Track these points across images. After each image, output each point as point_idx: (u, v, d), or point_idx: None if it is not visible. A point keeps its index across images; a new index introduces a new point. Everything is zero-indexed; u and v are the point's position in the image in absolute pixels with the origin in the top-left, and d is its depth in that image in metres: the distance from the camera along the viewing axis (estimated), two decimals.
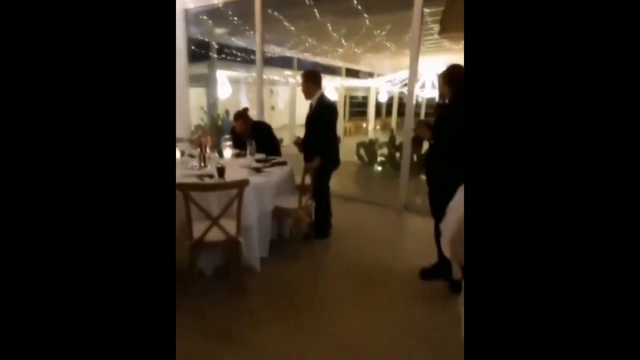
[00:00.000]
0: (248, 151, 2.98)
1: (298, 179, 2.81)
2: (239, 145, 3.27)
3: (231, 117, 7.38)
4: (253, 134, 3.29)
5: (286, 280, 2.45)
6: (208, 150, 2.86)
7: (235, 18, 5.49)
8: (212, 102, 7.79)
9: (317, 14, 5.11)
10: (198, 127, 7.40)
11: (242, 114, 3.34)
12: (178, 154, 3.07)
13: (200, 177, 2.41)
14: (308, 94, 2.98)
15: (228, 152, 3.04)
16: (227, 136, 3.40)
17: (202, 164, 2.74)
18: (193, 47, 6.45)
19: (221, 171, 2.45)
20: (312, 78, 2.97)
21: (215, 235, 2.07)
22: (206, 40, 7.02)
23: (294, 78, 9.25)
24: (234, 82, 8.46)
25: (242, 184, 2.03)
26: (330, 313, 2.11)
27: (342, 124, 12.99)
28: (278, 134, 3.62)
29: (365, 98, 16.17)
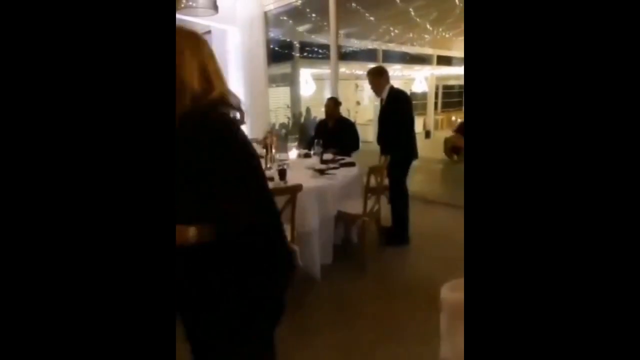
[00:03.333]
0: (313, 151, 2.86)
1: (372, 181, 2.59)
2: (325, 140, 3.17)
3: (313, 114, 7.49)
4: (336, 126, 3.38)
5: (347, 293, 2.26)
6: (274, 150, 2.81)
7: (314, 15, 5.44)
8: (295, 100, 7.97)
9: (398, 0, 4.74)
10: (282, 125, 7.66)
11: (335, 98, 3.57)
12: None
13: None
14: (378, 90, 2.85)
15: (293, 153, 2.97)
16: (296, 136, 3.34)
17: (267, 166, 2.70)
18: (276, 48, 6.63)
19: (282, 173, 2.36)
20: (381, 73, 2.84)
21: None
22: (288, 40, 7.16)
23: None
24: (318, 79, 8.50)
25: (294, 189, 1.90)
26: (391, 336, 1.85)
27: (432, 117, 12.10)
28: (363, 130, 3.60)
29: (462, 87, 14.84)
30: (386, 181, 2.81)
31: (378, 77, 2.81)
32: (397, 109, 2.75)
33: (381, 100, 2.85)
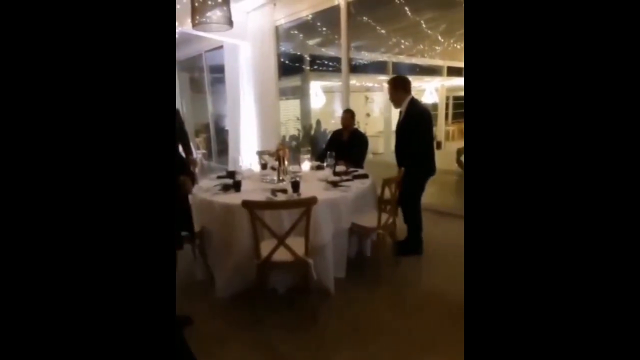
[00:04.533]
0: (326, 163, 2.84)
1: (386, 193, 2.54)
2: (339, 151, 3.17)
3: (323, 127, 7.51)
4: (350, 138, 3.45)
5: (362, 307, 2.20)
6: (286, 163, 2.80)
7: (324, 28, 5.50)
8: (305, 113, 8.02)
9: (409, 12, 4.76)
10: (292, 137, 7.68)
11: (351, 110, 3.63)
12: (259, 167, 3.11)
13: (274, 192, 2.35)
14: (397, 101, 2.81)
15: (306, 165, 2.95)
16: (308, 148, 3.34)
17: (280, 178, 2.69)
18: (287, 62, 6.71)
19: (296, 186, 2.35)
20: (400, 84, 2.80)
21: (283, 255, 1.95)
22: (298, 53, 7.24)
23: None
24: (328, 91, 8.54)
25: (309, 202, 1.88)
26: (408, 352, 1.78)
27: (443, 128, 12.01)
28: (373, 142, 3.63)
29: None
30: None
31: (396, 89, 2.78)
32: (417, 125, 2.70)
33: (400, 113, 2.81)
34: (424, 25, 5.45)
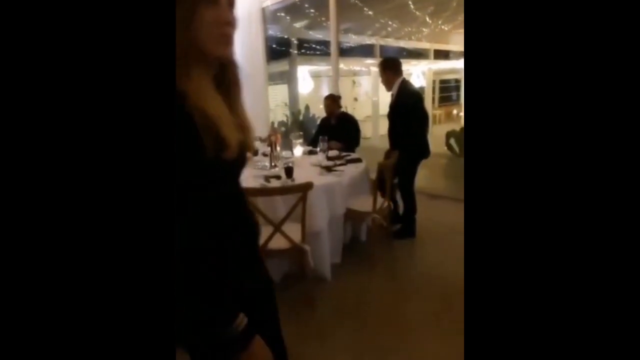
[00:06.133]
0: (319, 148, 2.80)
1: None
2: (329, 136, 3.10)
3: (311, 112, 7.42)
4: (339, 122, 3.37)
5: (359, 292, 2.21)
6: (278, 148, 2.75)
7: (312, 10, 5.37)
8: (293, 98, 7.90)
9: None
10: (281, 123, 7.58)
11: (333, 95, 3.50)
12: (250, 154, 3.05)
13: (267, 178, 2.31)
14: (388, 83, 2.79)
15: (299, 150, 2.91)
16: (300, 133, 3.28)
17: (272, 164, 2.64)
18: (274, 46, 6.55)
19: (289, 171, 2.30)
20: (389, 66, 2.78)
21: (279, 242, 1.93)
22: (286, 37, 7.07)
23: (376, 66, 8.86)
24: (316, 76, 8.42)
25: (304, 187, 1.84)
26: (407, 335, 1.80)
27: (430, 112, 12.07)
28: (362, 127, 3.63)
29: (459, 81, 14.81)
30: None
31: (386, 71, 2.76)
32: (408, 107, 2.68)
33: (392, 95, 2.79)
34: (411, 6, 5.37)
